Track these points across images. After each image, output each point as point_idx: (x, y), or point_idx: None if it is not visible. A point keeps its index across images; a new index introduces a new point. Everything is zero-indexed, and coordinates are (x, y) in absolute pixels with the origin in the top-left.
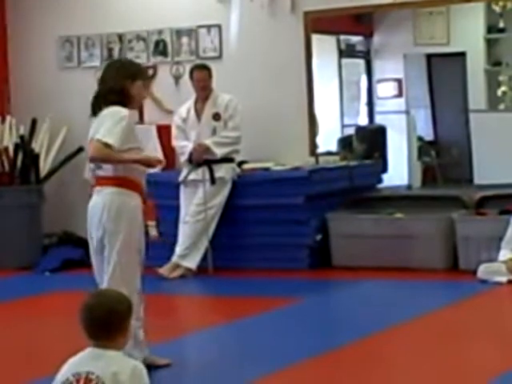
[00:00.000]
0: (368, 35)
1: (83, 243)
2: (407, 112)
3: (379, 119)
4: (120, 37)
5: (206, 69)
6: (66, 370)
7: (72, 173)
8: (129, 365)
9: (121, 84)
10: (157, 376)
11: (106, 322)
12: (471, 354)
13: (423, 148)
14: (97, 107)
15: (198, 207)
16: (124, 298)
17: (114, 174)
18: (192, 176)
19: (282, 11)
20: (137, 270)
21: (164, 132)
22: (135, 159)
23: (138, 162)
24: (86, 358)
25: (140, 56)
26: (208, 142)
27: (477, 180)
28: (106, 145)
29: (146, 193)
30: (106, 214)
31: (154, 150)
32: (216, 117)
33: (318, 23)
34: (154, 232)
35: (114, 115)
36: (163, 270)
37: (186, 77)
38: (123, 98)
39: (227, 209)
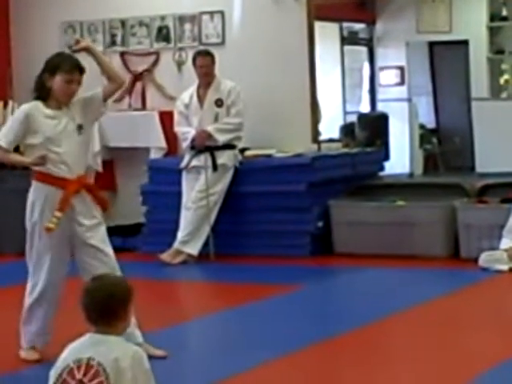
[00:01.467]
0: (371, 23)
1: None
2: (409, 100)
3: (381, 107)
4: (123, 22)
5: (208, 55)
6: (67, 356)
7: None
8: (129, 350)
9: (40, 78)
10: (157, 362)
11: (106, 307)
12: (472, 342)
13: (425, 136)
14: None
15: (200, 193)
16: (124, 283)
17: None
18: (194, 162)
19: None
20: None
21: (166, 118)
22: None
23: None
24: (87, 344)
25: (143, 42)
26: (210, 128)
27: (478, 168)
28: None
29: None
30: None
31: (157, 136)
32: (218, 103)
33: (320, 10)
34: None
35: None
36: (165, 256)
37: (189, 63)
38: (41, 93)
39: (229, 195)
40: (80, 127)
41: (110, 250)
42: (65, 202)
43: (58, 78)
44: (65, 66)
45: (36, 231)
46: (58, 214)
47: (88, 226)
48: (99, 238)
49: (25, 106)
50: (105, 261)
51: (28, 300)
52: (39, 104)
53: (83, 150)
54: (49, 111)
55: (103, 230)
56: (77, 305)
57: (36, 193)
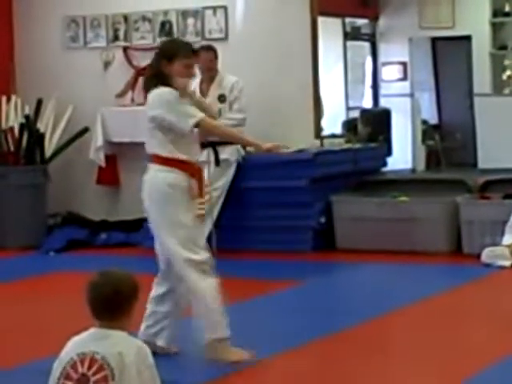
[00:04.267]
0: (373, 18)
1: (88, 223)
2: (412, 95)
3: (384, 102)
4: (126, 17)
5: (211, 50)
6: (70, 350)
7: (77, 153)
8: (133, 345)
9: (157, 66)
10: (160, 357)
11: (110, 301)
12: (474, 337)
13: (427, 131)
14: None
15: None
16: (130, 278)
17: None
18: None
19: None
20: None
21: None
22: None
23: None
24: (91, 338)
25: (146, 37)
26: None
27: (481, 164)
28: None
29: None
30: None
31: None
32: (221, 98)
33: (323, 6)
34: None
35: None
36: None
37: None
38: (162, 80)
39: (231, 191)
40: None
41: None
42: (202, 188)
43: (176, 63)
44: (183, 51)
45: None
46: (201, 199)
47: None
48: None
49: (168, 89)
50: None
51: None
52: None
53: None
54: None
55: None
56: (80, 299)
57: (176, 180)
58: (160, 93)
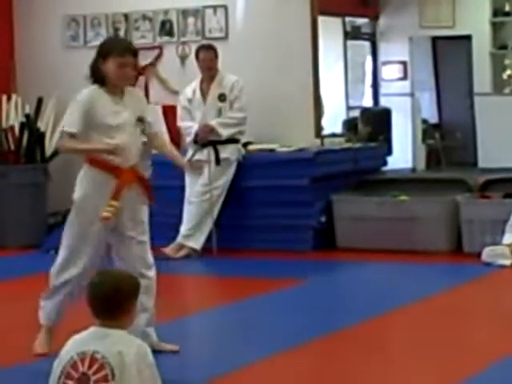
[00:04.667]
0: (374, 17)
1: None
2: (412, 95)
3: (384, 101)
4: (126, 16)
5: (211, 49)
6: (70, 349)
7: None
8: (133, 344)
9: (94, 63)
10: (160, 356)
11: (110, 300)
12: (475, 336)
13: (428, 131)
14: None
15: (203, 188)
16: (130, 277)
17: None
18: (197, 156)
19: None
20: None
21: (170, 112)
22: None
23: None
24: (91, 337)
25: (146, 36)
26: (213, 122)
27: (481, 163)
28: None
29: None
30: None
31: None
32: (221, 97)
33: (324, 5)
34: None
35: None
36: (168, 250)
37: (192, 57)
38: (97, 79)
39: (232, 190)
40: (140, 120)
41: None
42: (119, 191)
43: (110, 62)
44: (117, 49)
45: (83, 215)
46: (113, 203)
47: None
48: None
49: (85, 91)
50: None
51: (54, 281)
52: (98, 89)
53: (138, 141)
54: (107, 96)
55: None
56: (82, 298)
57: (89, 178)
58: (81, 91)
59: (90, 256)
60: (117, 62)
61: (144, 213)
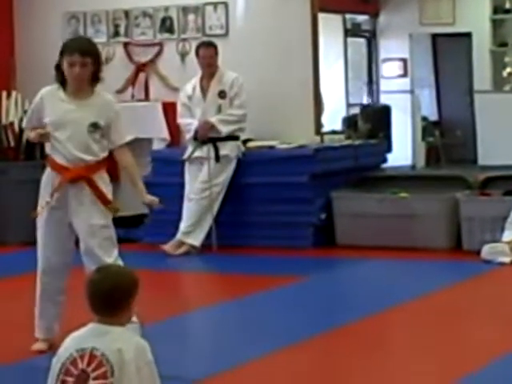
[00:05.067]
0: (374, 15)
1: None
2: (412, 92)
3: (384, 99)
4: (126, 13)
5: (212, 46)
6: (69, 346)
7: None
8: (132, 341)
9: (57, 62)
10: (160, 353)
11: (109, 297)
12: (474, 334)
13: (427, 128)
14: None
15: (202, 185)
16: (129, 273)
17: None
18: (197, 153)
19: None
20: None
21: (169, 109)
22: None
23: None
24: (90, 334)
25: (146, 33)
26: (213, 119)
27: (481, 160)
28: None
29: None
30: None
31: (160, 127)
32: (221, 94)
33: (324, 2)
34: None
35: None
36: (167, 247)
37: (192, 54)
38: (57, 76)
39: (232, 186)
40: (95, 125)
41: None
42: (56, 188)
43: (64, 61)
44: (68, 48)
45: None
46: (47, 199)
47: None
48: (96, 243)
49: (42, 89)
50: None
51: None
52: (57, 87)
53: (83, 142)
54: (63, 95)
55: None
56: (78, 294)
57: (43, 177)
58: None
59: (53, 253)
60: (67, 60)
61: (98, 215)
